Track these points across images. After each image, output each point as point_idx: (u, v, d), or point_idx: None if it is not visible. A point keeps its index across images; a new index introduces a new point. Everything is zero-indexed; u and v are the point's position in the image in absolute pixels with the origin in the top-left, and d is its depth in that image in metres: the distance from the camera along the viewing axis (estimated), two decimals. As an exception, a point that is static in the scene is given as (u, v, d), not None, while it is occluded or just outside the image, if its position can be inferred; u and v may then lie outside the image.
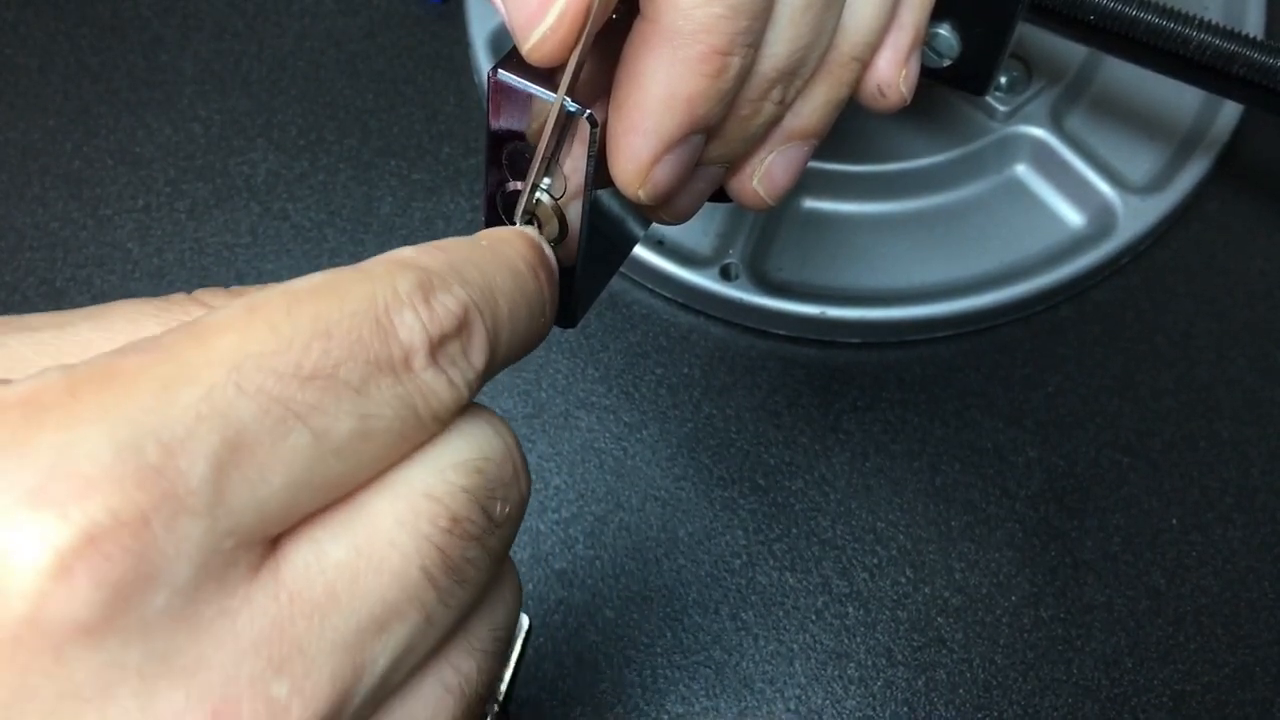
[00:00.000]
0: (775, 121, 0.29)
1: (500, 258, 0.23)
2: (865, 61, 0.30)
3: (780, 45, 0.27)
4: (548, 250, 0.26)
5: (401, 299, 0.20)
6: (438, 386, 0.21)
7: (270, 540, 0.19)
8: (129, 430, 0.17)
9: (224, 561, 0.18)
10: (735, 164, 0.30)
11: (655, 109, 0.26)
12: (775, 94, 0.28)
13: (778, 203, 0.31)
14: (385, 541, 0.20)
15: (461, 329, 0.21)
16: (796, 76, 0.28)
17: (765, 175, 0.30)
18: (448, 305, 0.21)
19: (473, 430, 0.22)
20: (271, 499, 0.18)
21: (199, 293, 0.22)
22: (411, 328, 0.20)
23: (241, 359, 0.18)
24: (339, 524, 0.20)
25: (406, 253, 0.22)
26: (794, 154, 0.30)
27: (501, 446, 0.22)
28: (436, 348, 0.20)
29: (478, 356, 0.21)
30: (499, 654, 0.23)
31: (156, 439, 0.17)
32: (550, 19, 0.24)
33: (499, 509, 0.22)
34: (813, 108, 0.29)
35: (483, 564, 0.22)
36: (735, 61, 0.26)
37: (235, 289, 0.22)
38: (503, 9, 0.25)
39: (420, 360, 0.20)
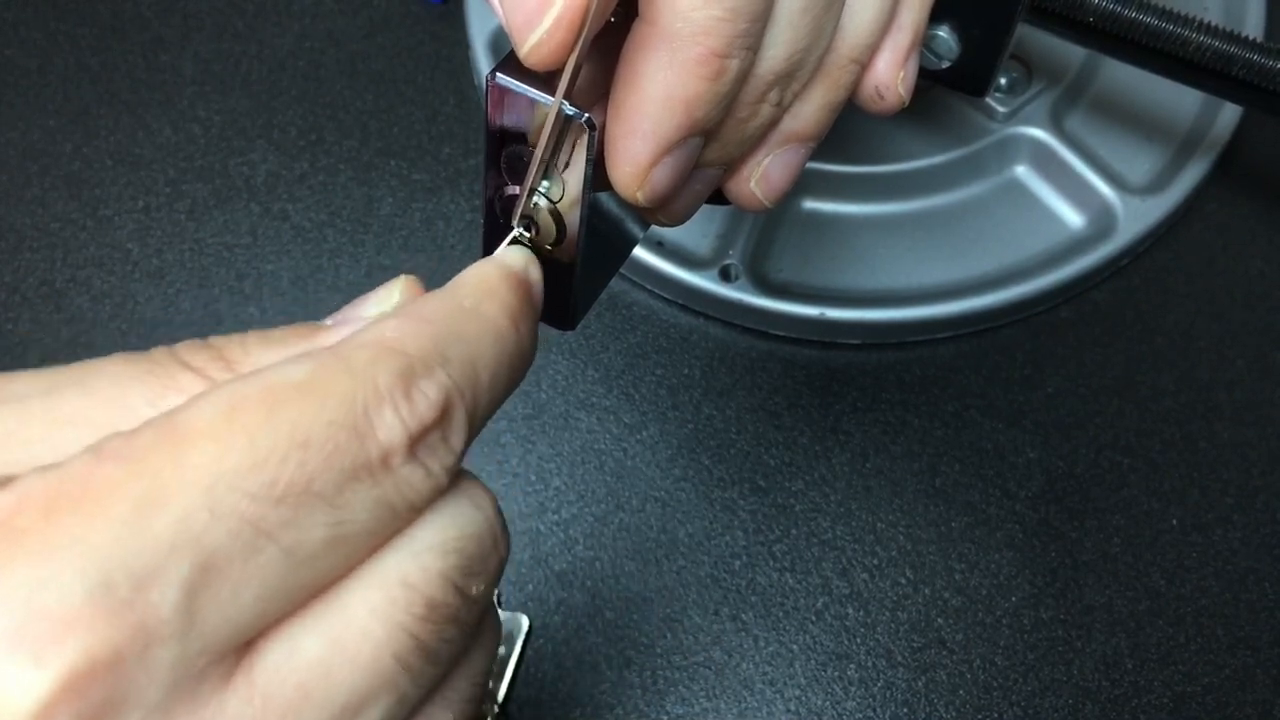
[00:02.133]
0: (773, 124, 0.29)
1: (484, 321, 0.23)
2: (863, 64, 0.29)
3: (778, 48, 0.27)
4: (535, 276, 0.26)
5: (382, 395, 0.20)
6: (415, 480, 0.20)
7: (243, 646, 0.19)
8: (101, 564, 0.17)
9: (196, 678, 0.18)
10: (733, 166, 0.30)
11: (653, 111, 0.26)
12: (773, 96, 0.28)
13: (775, 205, 0.31)
14: (359, 633, 0.20)
15: (442, 418, 0.21)
16: (794, 79, 0.28)
17: (763, 177, 0.30)
18: (429, 395, 0.20)
19: (450, 509, 0.21)
20: (243, 614, 0.18)
21: (181, 350, 0.21)
22: (391, 427, 0.20)
23: (215, 478, 0.18)
24: (313, 618, 0.19)
25: (390, 334, 0.21)
26: (791, 156, 0.30)
27: (480, 519, 0.22)
28: (416, 441, 0.20)
29: (457, 440, 0.21)
30: (478, 697, 0.23)
31: (128, 572, 0.17)
32: (547, 22, 0.24)
33: (475, 587, 0.21)
34: (810, 110, 0.29)
35: (458, 640, 0.21)
36: (733, 64, 0.26)
37: (214, 343, 0.21)
38: (500, 12, 0.25)
39: (398, 458, 0.20)
